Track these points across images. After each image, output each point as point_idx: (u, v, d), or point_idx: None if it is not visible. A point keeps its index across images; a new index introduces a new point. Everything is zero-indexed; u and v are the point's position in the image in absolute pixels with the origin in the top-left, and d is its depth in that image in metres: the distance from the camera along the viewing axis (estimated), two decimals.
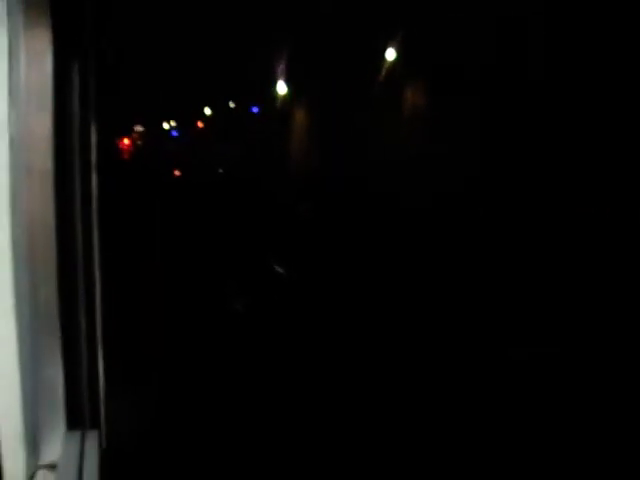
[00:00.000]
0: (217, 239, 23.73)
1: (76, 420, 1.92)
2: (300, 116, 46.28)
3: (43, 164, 1.68)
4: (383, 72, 31.24)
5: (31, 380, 1.82)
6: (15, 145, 1.70)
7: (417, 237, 21.09)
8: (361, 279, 17.59)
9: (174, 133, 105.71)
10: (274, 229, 25.46)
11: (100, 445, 1.97)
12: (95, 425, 1.97)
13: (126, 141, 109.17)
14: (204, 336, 13.10)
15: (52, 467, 1.90)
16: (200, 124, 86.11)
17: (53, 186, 1.70)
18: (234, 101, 62.30)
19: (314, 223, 27.13)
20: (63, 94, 1.71)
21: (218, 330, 13.47)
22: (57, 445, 1.93)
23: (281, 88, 46.21)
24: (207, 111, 76.21)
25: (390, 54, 29.89)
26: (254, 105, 53.40)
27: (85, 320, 1.87)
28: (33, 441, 1.86)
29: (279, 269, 18.60)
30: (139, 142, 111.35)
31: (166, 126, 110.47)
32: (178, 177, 59.00)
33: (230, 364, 11.61)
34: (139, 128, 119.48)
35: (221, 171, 57.94)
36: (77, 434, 1.93)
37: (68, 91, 1.74)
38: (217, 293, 16.20)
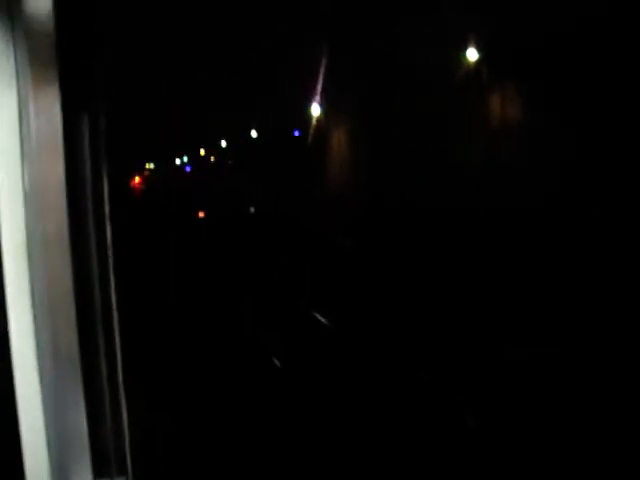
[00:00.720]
0: (250, 286, 22.11)
1: (103, 467, 2.02)
2: (340, 140, 41.69)
3: (58, 217, 1.81)
4: (462, 76, 25.70)
5: (55, 429, 1.93)
6: (29, 200, 1.83)
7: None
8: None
9: (187, 168, 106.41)
10: (313, 274, 23.06)
11: None
12: (122, 472, 2.06)
13: (137, 179, 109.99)
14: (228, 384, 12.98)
15: None
16: (213, 158, 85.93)
17: (69, 237, 1.83)
18: (258, 130, 59.39)
19: (362, 267, 23.70)
20: (74, 147, 1.84)
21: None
22: None
23: (315, 110, 41.73)
24: (223, 143, 74.81)
25: (472, 54, 24.52)
26: (295, 129, 47.95)
27: (106, 365, 1.98)
28: None
29: (321, 318, 17.66)
30: (151, 179, 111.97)
31: (178, 161, 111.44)
32: (202, 218, 50.44)
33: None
34: (150, 165, 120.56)
35: (252, 210, 50.67)
36: None
37: (79, 143, 1.87)
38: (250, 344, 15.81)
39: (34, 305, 1.87)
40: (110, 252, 1.93)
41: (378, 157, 34.02)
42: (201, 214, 50.51)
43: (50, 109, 1.80)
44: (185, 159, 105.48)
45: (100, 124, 1.94)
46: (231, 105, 53.88)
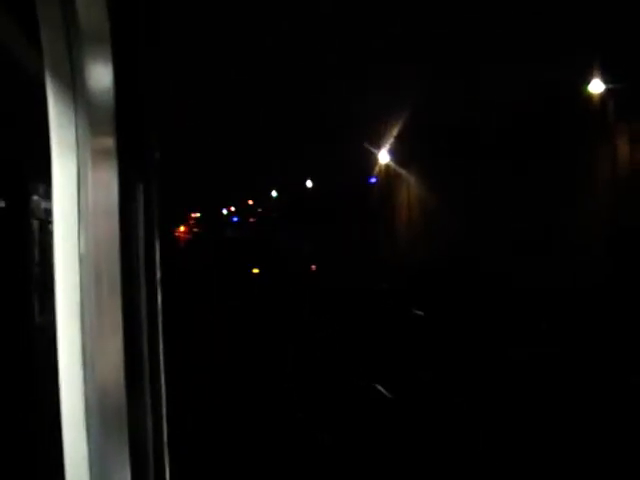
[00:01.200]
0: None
1: None
2: (415, 193, 36.27)
3: (111, 281, 1.97)
4: (581, 114, 21.44)
5: None
6: (84, 264, 1.99)
7: None
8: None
9: (234, 219, 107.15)
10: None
11: None
12: None
13: (182, 228, 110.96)
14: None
15: None
16: (261, 209, 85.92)
17: (121, 300, 1.98)
18: (313, 180, 55.95)
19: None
20: (128, 215, 1.99)
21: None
22: None
23: (383, 158, 37.74)
24: (273, 193, 73.77)
25: (596, 85, 20.49)
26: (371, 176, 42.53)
27: (152, 424, 2.12)
28: None
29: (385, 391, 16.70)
30: (195, 229, 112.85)
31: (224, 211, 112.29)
32: (257, 275, 45.96)
33: None
34: (195, 214, 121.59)
35: (314, 268, 44.83)
36: None
37: (133, 212, 2.02)
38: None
39: (85, 365, 2.00)
40: (160, 316, 2.07)
41: (466, 215, 29.18)
42: (255, 270, 46.73)
43: (107, 179, 1.95)
44: (232, 209, 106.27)
45: (154, 194, 2.10)
46: (283, 154, 53.46)
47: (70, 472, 2.06)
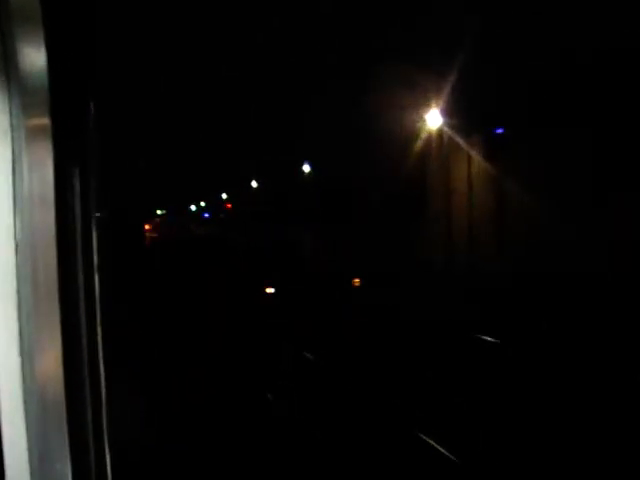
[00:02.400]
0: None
1: None
2: (491, 175, 29.95)
3: (48, 267, 2.12)
4: None
5: (40, 477, 2.22)
6: (20, 250, 2.15)
7: None
8: None
9: (205, 215, 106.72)
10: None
11: None
12: None
13: (147, 226, 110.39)
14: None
15: None
16: (229, 205, 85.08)
17: (58, 287, 2.13)
18: (311, 164, 51.08)
19: None
20: (65, 200, 2.14)
21: None
22: None
23: (433, 120, 29.91)
24: (253, 184, 71.98)
25: None
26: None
27: (91, 415, 2.28)
28: None
29: None
30: (162, 228, 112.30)
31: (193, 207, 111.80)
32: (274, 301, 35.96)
33: None
34: (161, 211, 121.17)
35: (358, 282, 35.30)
36: None
37: (69, 196, 2.18)
38: None
39: (23, 354, 2.14)
40: (98, 302, 2.24)
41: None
42: (269, 290, 37.95)
43: (42, 163, 2.11)
44: (202, 204, 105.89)
45: (90, 178, 2.26)
46: (265, 132, 51.34)
47: (9, 465, 2.20)
